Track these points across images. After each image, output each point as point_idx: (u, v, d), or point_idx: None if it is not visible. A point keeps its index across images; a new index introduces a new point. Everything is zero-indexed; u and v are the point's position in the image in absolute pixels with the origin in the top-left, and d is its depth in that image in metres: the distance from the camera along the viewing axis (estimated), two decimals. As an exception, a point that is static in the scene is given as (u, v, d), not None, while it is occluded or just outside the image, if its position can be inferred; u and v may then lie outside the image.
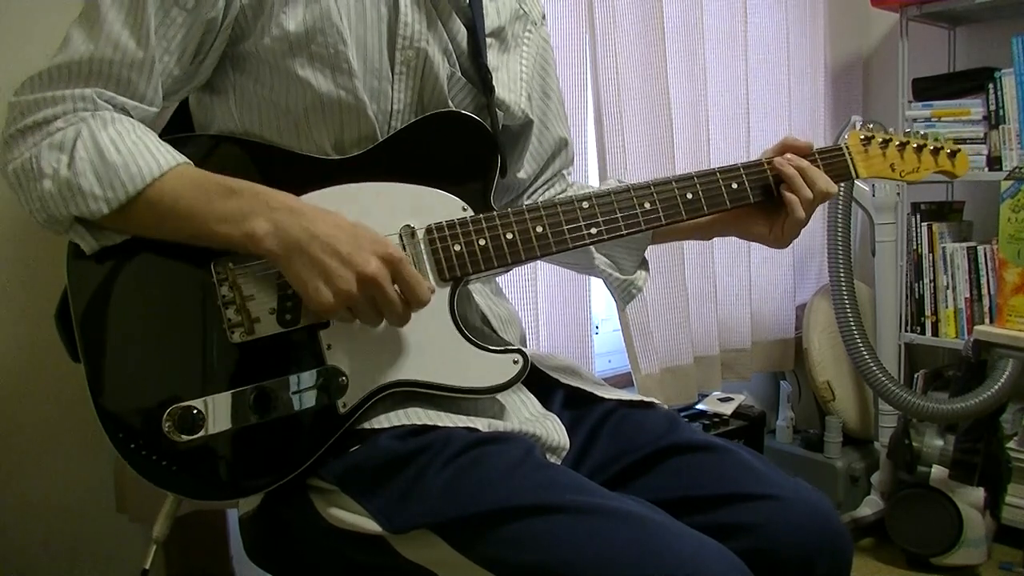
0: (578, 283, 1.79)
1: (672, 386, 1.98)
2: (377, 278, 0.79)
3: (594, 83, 1.80)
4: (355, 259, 0.78)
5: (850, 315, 2.12)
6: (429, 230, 0.88)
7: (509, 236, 0.90)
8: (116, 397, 0.81)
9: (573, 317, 1.79)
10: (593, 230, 0.93)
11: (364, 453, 0.84)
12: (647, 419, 0.98)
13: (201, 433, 0.82)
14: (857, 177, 1.07)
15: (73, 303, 0.82)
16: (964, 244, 2.17)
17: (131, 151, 0.80)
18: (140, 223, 0.82)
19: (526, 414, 0.94)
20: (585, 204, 0.93)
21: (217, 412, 0.82)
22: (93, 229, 0.82)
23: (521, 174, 1.08)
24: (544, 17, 1.13)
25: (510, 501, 0.77)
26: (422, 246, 0.88)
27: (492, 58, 0.98)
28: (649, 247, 1.14)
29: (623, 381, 1.98)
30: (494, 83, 0.97)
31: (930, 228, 2.20)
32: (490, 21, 0.99)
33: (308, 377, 0.85)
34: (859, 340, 2.11)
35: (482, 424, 0.87)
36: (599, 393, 1.02)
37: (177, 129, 0.95)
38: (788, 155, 1.02)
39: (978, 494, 1.96)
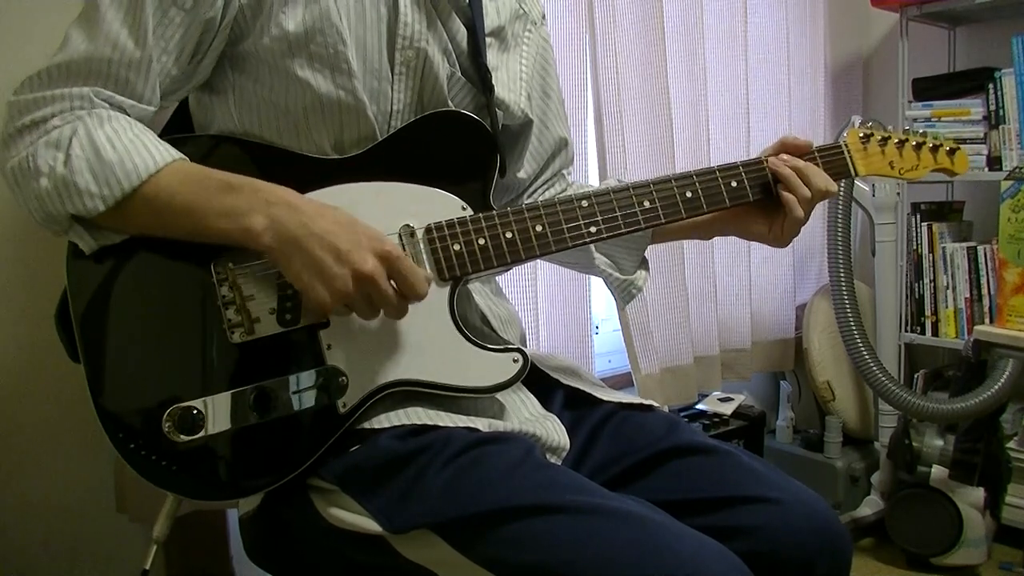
0: (578, 283, 1.78)
1: (672, 386, 1.98)
2: (373, 276, 0.79)
3: (594, 83, 1.80)
4: (352, 257, 0.78)
5: (850, 315, 2.12)
6: (428, 229, 0.88)
7: (509, 235, 0.90)
8: (116, 397, 0.81)
9: (573, 317, 1.79)
10: (593, 229, 0.93)
11: (364, 453, 0.84)
12: (647, 421, 0.98)
13: (201, 433, 0.81)
14: (856, 175, 1.07)
15: (73, 303, 0.82)
16: (964, 244, 2.17)
17: (127, 148, 0.80)
18: (137, 220, 0.81)
19: (526, 414, 0.94)
20: (584, 203, 0.93)
21: (217, 412, 0.82)
22: (92, 228, 0.81)
23: (521, 174, 1.08)
24: (544, 17, 1.13)
25: (510, 501, 0.77)
26: (421, 245, 0.88)
27: (492, 58, 0.98)
28: (649, 247, 1.14)
29: (623, 381, 1.98)
30: (494, 83, 0.97)
31: (930, 228, 2.20)
32: (490, 21, 0.99)
33: (308, 377, 0.85)
34: (859, 340, 2.11)
35: (482, 424, 0.87)
36: (599, 395, 1.02)
37: (177, 130, 0.95)
38: (784, 155, 1.01)
39: (978, 494, 1.96)
